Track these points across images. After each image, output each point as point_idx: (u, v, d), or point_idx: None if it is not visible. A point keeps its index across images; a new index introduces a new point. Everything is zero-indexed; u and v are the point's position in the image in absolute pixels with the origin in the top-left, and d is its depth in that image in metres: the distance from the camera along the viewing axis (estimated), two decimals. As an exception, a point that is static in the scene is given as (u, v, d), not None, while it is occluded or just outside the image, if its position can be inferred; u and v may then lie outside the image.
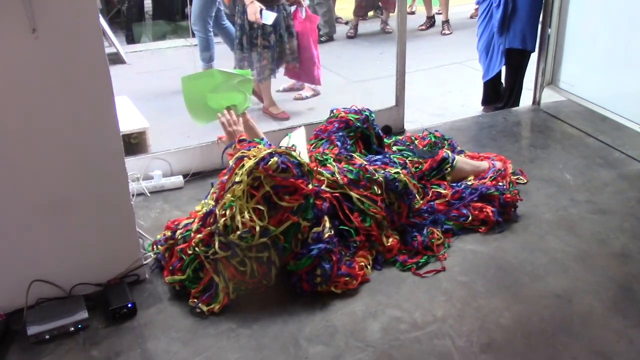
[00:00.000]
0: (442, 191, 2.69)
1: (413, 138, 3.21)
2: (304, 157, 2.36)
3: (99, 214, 2.17)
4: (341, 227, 2.37)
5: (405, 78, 3.61)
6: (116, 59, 5.85)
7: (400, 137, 3.21)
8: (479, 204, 2.63)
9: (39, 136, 1.99)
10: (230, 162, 2.26)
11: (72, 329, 2.07)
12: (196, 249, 2.19)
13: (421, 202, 2.62)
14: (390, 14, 7.06)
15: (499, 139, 3.51)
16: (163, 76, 5.38)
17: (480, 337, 2.01)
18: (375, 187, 2.44)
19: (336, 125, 2.77)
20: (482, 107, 4.37)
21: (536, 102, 3.96)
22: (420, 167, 2.75)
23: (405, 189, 2.49)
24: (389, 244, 2.42)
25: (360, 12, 7.10)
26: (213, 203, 2.26)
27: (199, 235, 2.20)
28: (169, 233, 2.40)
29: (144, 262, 2.36)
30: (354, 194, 2.41)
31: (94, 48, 1.98)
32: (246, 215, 2.11)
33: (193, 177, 3.12)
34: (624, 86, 3.32)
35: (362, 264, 2.33)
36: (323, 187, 2.37)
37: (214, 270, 2.17)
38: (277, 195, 2.16)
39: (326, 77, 4.86)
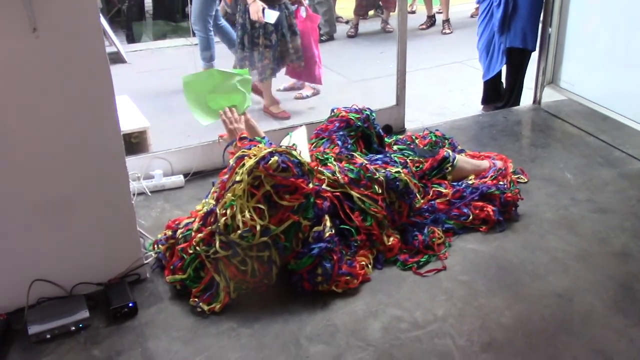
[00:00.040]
0: (443, 190, 2.69)
1: (414, 137, 3.21)
2: (305, 157, 2.36)
3: (99, 213, 2.17)
4: (342, 226, 2.37)
5: (406, 77, 3.61)
6: (116, 58, 5.85)
7: (400, 137, 3.21)
8: (480, 203, 2.63)
9: (40, 135, 1.99)
10: (231, 161, 2.26)
11: (73, 328, 2.07)
12: (197, 248, 2.19)
13: (422, 201, 2.62)
14: (391, 13, 7.06)
15: (499, 138, 3.51)
16: (163, 75, 5.39)
17: (481, 337, 2.01)
18: (376, 187, 2.44)
19: (337, 124, 2.77)
20: (482, 107, 4.37)
21: (537, 101, 3.96)
22: (421, 166, 2.75)
23: (406, 188, 2.49)
24: (389, 243, 2.42)
25: (361, 11, 7.10)
26: (214, 202, 2.26)
27: (199, 235, 2.20)
28: (169, 232, 2.40)
29: (145, 262, 2.36)
30: (354, 193, 2.41)
31: (95, 47, 1.98)
32: (247, 214, 2.11)
33: (194, 176, 3.12)
34: (625, 85, 3.32)
35: (363, 263, 2.33)
36: (324, 186, 2.37)
37: (215, 269, 2.17)
38: (278, 195, 2.16)
39: (327, 76, 4.86)
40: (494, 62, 4.08)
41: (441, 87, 5.13)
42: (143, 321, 2.13)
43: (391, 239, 2.43)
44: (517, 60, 4.04)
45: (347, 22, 7.28)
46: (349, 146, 2.70)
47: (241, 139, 2.49)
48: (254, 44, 4.37)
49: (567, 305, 2.15)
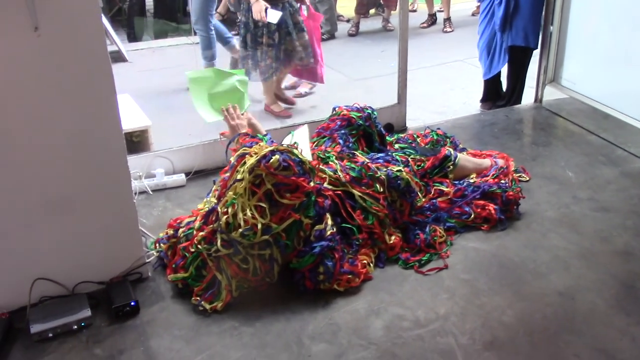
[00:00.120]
0: (445, 189, 2.69)
1: (415, 136, 3.21)
2: (307, 155, 2.36)
3: (101, 212, 2.17)
4: (343, 225, 2.37)
5: (407, 76, 3.61)
6: (118, 57, 5.86)
7: (402, 135, 3.21)
8: (482, 202, 2.63)
9: (42, 134, 1.99)
10: (232, 159, 2.26)
11: (75, 327, 2.07)
12: (199, 246, 2.19)
13: (423, 200, 2.61)
14: (392, 12, 7.06)
15: (501, 136, 3.51)
16: (165, 74, 5.39)
17: (482, 335, 2.01)
18: (378, 185, 2.44)
19: (338, 123, 2.77)
20: (481, 104, 4.37)
21: (538, 99, 3.95)
22: (422, 165, 2.75)
23: (408, 186, 2.49)
24: (391, 242, 2.42)
25: (362, 10, 7.10)
26: (215, 201, 2.26)
27: (201, 233, 2.20)
28: (171, 231, 2.41)
29: (147, 260, 2.36)
30: (356, 192, 2.41)
31: (97, 46, 1.98)
32: (248, 212, 2.11)
33: (195, 175, 3.12)
34: (626, 84, 3.31)
35: (365, 261, 2.33)
36: (325, 184, 2.37)
37: (217, 268, 2.18)
38: (279, 193, 2.16)
39: (328, 75, 4.86)
40: (496, 61, 4.08)
41: (442, 86, 5.13)
42: (145, 320, 2.13)
43: (393, 237, 2.43)
44: (518, 59, 4.04)
45: (348, 21, 7.28)
46: (351, 145, 2.70)
47: (242, 135, 2.49)
48: (257, 43, 4.36)
49: (569, 304, 2.15)
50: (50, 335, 2.04)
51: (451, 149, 2.87)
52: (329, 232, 2.23)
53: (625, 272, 2.30)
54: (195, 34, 5.00)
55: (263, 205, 2.13)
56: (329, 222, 2.27)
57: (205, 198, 2.47)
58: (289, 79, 5.02)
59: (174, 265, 2.27)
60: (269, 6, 4.21)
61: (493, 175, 2.82)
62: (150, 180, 3.01)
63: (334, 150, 2.61)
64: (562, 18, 3.67)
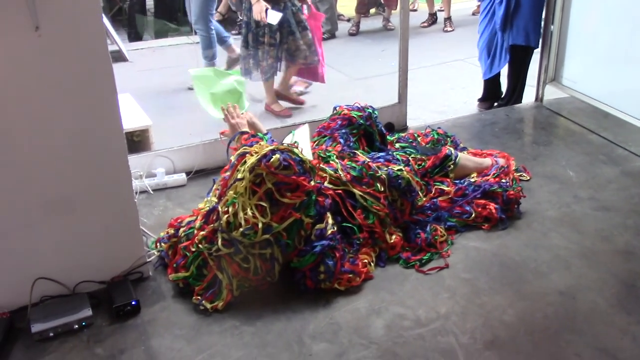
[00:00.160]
0: (445, 188, 2.69)
1: (416, 135, 3.20)
2: (307, 155, 2.36)
3: (102, 211, 2.18)
4: (344, 224, 2.37)
5: (408, 75, 3.61)
6: (118, 56, 5.85)
7: (403, 134, 3.20)
8: (482, 201, 2.63)
9: (42, 134, 2.00)
10: (232, 158, 2.26)
11: (76, 326, 2.08)
12: (199, 246, 2.19)
13: (424, 199, 2.61)
14: (392, 11, 7.06)
15: (501, 136, 3.51)
16: (165, 74, 5.39)
17: (483, 334, 2.01)
18: (378, 184, 2.44)
19: (339, 122, 2.77)
20: (478, 103, 4.36)
21: (539, 98, 3.95)
22: (423, 164, 2.75)
23: (408, 186, 2.49)
24: (392, 241, 2.42)
25: (362, 9, 7.09)
26: (216, 200, 2.26)
27: (202, 233, 2.20)
28: (172, 231, 2.41)
29: (148, 260, 2.36)
30: (356, 191, 2.41)
31: (97, 46, 1.98)
32: (249, 212, 2.11)
33: (196, 174, 3.12)
34: (627, 83, 3.31)
35: (366, 261, 2.33)
36: (326, 183, 2.37)
37: (218, 267, 2.18)
38: (279, 192, 2.16)
39: (328, 75, 4.85)
40: (497, 60, 4.07)
41: (443, 85, 5.13)
42: (146, 319, 2.13)
43: (393, 236, 2.43)
44: (519, 58, 4.04)
45: (348, 20, 7.27)
46: (351, 144, 2.70)
47: (243, 133, 2.49)
48: (258, 43, 4.36)
49: (570, 303, 2.15)
50: (51, 334, 2.04)
51: (452, 148, 2.87)
52: (329, 231, 2.23)
53: (626, 271, 2.30)
54: (195, 33, 5.00)
55: (264, 204, 2.13)
56: (330, 221, 2.27)
57: (205, 197, 2.47)
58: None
59: (174, 265, 2.27)
60: (269, 7, 4.21)
61: (494, 174, 2.82)
62: (151, 180, 3.01)
63: (334, 149, 2.61)
64: (562, 17, 3.66)
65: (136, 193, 2.76)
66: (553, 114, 3.78)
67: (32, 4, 1.83)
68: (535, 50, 4.00)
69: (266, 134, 2.57)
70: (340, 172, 2.43)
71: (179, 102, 4.75)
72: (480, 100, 4.37)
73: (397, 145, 2.98)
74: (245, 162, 2.17)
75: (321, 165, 2.45)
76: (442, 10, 7.16)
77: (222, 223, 2.13)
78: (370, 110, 2.81)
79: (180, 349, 1.99)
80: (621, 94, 3.35)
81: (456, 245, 2.49)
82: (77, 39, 1.94)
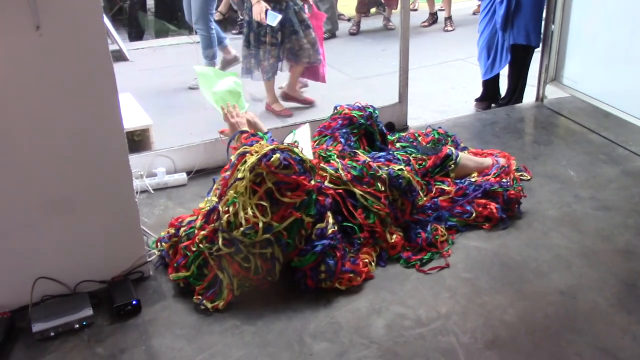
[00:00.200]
0: (446, 188, 2.69)
1: (416, 135, 3.21)
2: (308, 154, 2.36)
3: (103, 211, 2.18)
4: (345, 223, 2.37)
5: (408, 75, 3.61)
6: (119, 56, 5.86)
7: (403, 134, 3.21)
8: (483, 201, 2.63)
9: (43, 134, 2.00)
10: (233, 158, 2.26)
11: (77, 326, 2.08)
12: (200, 245, 2.19)
13: (425, 198, 2.61)
14: (393, 11, 7.06)
15: (502, 135, 3.50)
16: (166, 73, 5.39)
17: (484, 334, 2.01)
18: (379, 184, 2.44)
19: (340, 122, 2.77)
20: (475, 103, 4.36)
21: (539, 98, 3.95)
22: (423, 163, 2.75)
23: (409, 185, 2.49)
24: (392, 241, 2.42)
25: (363, 9, 7.09)
26: (216, 200, 2.26)
27: (202, 232, 2.20)
28: (172, 230, 2.41)
29: (148, 259, 2.36)
30: (357, 191, 2.41)
31: (98, 45, 1.98)
32: (249, 211, 2.11)
33: (196, 174, 3.12)
34: (628, 82, 3.31)
35: (366, 260, 2.33)
36: (326, 183, 2.37)
37: (218, 266, 2.18)
38: (279, 192, 2.16)
39: (329, 74, 4.85)
40: (498, 60, 4.07)
41: (443, 85, 5.13)
42: (146, 319, 2.14)
43: (394, 236, 2.43)
44: (520, 57, 4.04)
45: (349, 20, 7.27)
46: (352, 144, 2.70)
47: (242, 132, 2.49)
48: (260, 42, 4.36)
49: (571, 303, 2.15)
50: (52, 334, 2.04)
51: (452, 148, 2.87)
52: (330, 231, 2.23)
53: (626, 271, 2.30)
54: (195, 33, 5.00)
55: (264, 203, 2.13)
56: (330, 220, 2.27)
57: (206, 197, 2.47)
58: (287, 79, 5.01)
59: (175, 264, 2.27)
60: (269, 8, 4.21)
61: (494, 174, 2.82)
62: (151, 179, 3.02)
63: (335, 149, 2.61)
64: (563, 17, 3.66)
65: (137, 192, 2.76)
66: (554, 114, 3.78)
67: (33, 3, 1.83)
68: (535, 50, 4.00)
69: (266, 133, 2.58)
70: (341, 172, 2.43)
71: (179, 101, 4.75)
72: (477, 100, 4.37)
73: (398, 144, 2.98)
74: (245, 161, 2.17)
75: (322, 164, 2.45)
76: (443, 10, 7.16)
77: (223, 222, 2.13)
78: (371, 110, 2.81)
79: (181, 349, 2.00)
80: (622, 94, 3.35)
81: (457, 244, 2.49)
82: (77, 38, 1.94)
